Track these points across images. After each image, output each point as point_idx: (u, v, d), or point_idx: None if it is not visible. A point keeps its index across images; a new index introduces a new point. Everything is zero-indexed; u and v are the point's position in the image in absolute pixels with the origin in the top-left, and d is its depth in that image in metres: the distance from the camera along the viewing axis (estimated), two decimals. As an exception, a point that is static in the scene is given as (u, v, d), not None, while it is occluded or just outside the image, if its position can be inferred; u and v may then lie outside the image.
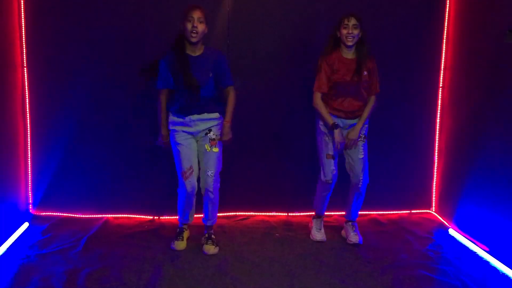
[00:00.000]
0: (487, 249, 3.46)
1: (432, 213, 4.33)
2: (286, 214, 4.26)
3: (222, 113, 3.41)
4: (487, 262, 3.37)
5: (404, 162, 4.26)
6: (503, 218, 3.31)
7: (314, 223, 3.82)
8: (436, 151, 4.25)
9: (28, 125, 3.97)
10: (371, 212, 4.28)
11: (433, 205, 4.36)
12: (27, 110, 3.95)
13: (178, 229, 3.62)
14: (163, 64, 3.29)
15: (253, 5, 3.97)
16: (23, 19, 3.83)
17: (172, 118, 3.37)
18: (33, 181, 4.06)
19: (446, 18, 4.07)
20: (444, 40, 4.10)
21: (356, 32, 3.37)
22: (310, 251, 3.51)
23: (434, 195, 4.34)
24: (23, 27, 3.84)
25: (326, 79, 3.45)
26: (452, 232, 3.89)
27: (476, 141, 3.65)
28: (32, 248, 3.47)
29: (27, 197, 4.05)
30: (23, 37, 3.85)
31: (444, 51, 4.11)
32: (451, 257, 3.44)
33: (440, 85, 4.17)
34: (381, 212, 4.30)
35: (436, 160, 4.27)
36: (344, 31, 3.38)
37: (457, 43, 3.98)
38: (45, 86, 3.94)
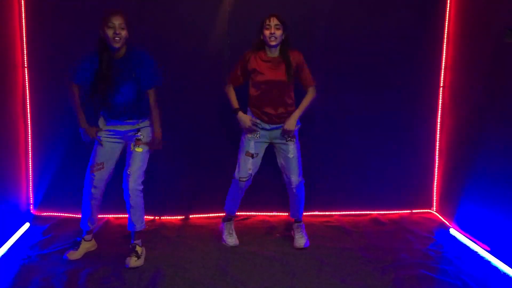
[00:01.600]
0: (488, 249, 3.46)
1: (433, 213, 4.32)
2: (287, 214, 4.26)
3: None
4: (488, 262, 3.37)
5: (405, 161, 4.26)
6: (504, 217, 3.30)
7: (225, 227, 3.68)
8: (437, 151, 4.25)
9: (29, 126, 3.98)
10: (371, 212, 4.28)
11: (434, 204, 4.35)
12: (28, 111, 3.96)
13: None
14: (88, 57, 3.16)
15: (253, 5, 3.97)
16: (23, 20, 3.84)
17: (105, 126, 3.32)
18: (34, 182, 4.06)
19: (447, 17, 4.06)
20: (445, 40, 4.09)
21: (278, 32, 3.34)
22: (311, 251, 3.51)
23: (435, 195, 4.34)
24: (23, 28, 3.84)
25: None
26: (453, 231, 3.89)
27: (477, 141, 3.65)
28: (33, 248, 3.47)
29: (28, 198, 4.06)
30: (24, 38, 3.86)
31: (444, 50, 4.11)
32: (452, 256, 3.43)
33: (441, 85, 4.17)
34: (381, 212, 4.30)
35: (436, 159, 4.26)
36: (267, 32, 3.35)
37: (458, 42, 3.98)
38: (46, 86, 3.94)
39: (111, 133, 3.32)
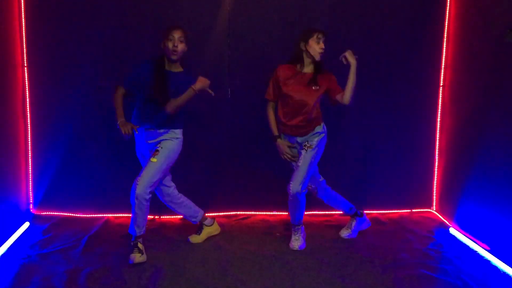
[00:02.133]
0: (488, 248, 3.46)
1: (432, 212, 4.33)
2: (287, 213, 4.26)
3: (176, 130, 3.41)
4: (488, 261, 3.37)
5: (405, 161, 4.26)
6: (504, 217, 3.30)
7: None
8: (437, 150, 4.25)
9: (29, 125, 3.97)
10: (371, 211, 4.27)
11: (434, 204, 4.35)
12: (28, 110, 3.95)
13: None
14: (142, 66, 3.29)
15: (254, 4, 3.97)
16: (23, 19, 3.83)
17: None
18: (33, 181, 4.06)
19: (447, 17, 4.06)
20: (445, 39, 4.09)
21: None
22: (311, 250, 3.51)
23: (434, 194, 4.34)
24: (23, 27, 3.84)
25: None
26: (453, 231, 3.89)
27: (477, 140, 3.65)
28: (33, 247, 3.47)
29: (27, 197, 4.06)
30: (24, 37, 3.86)
31: (444, 50, 4.11)
32: (452, 256, 3.44)
33: (441, 84, 4.17)
34: (381, 211, 4.30)
35: (436, 159, 4.26)
36: (317, 46, 3.36)
37: (458, 42, 3.98)
38: (46, 85, 3.94)
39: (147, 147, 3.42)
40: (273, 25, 3.99)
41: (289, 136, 3.53)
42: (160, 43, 3.26)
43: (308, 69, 3.44)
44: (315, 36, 3.34)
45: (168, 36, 3.21)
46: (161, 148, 3.32)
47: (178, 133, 3.40)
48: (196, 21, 3.94)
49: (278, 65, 3.48)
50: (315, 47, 3.35)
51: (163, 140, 3.36)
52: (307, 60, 3.42)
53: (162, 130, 3.35)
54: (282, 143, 3.52)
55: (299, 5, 3.98)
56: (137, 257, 3.23)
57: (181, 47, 3.23)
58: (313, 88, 3.39)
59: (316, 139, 3.47)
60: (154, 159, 3.28)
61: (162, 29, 3.29)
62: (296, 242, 3.54)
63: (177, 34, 3.21)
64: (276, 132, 3.53)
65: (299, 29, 3.96)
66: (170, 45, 3.20)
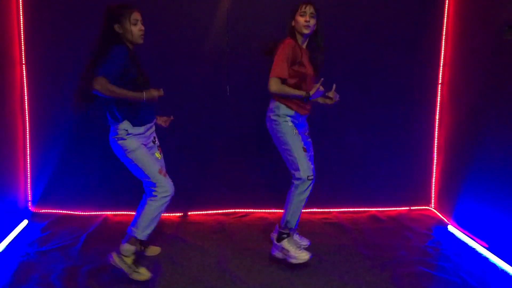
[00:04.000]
0: (486, 246, 3.47)
1: (431, 210, 4.33)
2: (286, 211, 4.27)
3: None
4: (486, 259, 3.38)
5: (403, 158, 4.26)
6: (502, 214, 3.31)
7: (290, 243, 3.21)
8: (435, 148, 4.26)
9: (27, 123, 3.97)
10: (370, 209, 4.28)
11: (432, 201, 4.36)
12: (26, 108, 3.95)
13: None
14: (124, 50, 2.85)
15: (253, 3, 3.96)
16: (21, 17, 3.83)
17: (131, 130, 2.97)
18: (32, 179, 4.06)
19: (445, 14, 4.06)
20: (443, 37, 4.09)
21: (313, 21, 3.13)
22: (310, 248, 3.50)
23: (433, 192, 4.34)
24: (21, 25, 3.84)
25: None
26: (451, 228, 3.90)
27: (475, 138, 3.65)
28: (32, 245, 3.47)
29: (26, 195, 4.05)
30: (22, 35, 3.85)
31: (443, 47, 4.11)
32: (450, 253, 3.44)
33: (439, 82, 4.17)
34: (380, 209, 4.30)
35: (435, 156, 4.27)
36: (302, 19, 3.12)
37: (456, 39, 3.98)
38: (44, 83, 3.94)
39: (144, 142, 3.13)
40: (274, 24, 3.98)
41: (304, 116, 3.31)
42: (115, 25, 2.88)
43: (304, 45, 3.27)
44: (299, 10, 3.15)
45: (130, 19, 2.86)
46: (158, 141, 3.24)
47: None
48: (196, 19, 3.93)
49: (290, 40, 3.15)
50: (300, 20, 3.14)
51: (154, 134, 3.22)
52: (298, 37, 3.19)
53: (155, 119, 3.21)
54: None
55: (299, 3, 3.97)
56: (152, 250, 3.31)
57: (143, 28, 2.95)
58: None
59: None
60: (160, 155, 3.26)
61: (110, 10, 2.90)
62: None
63: (140, 17, 2.92)
64: (304, 92, 3.12)
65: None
66: (135, 29, 2.88)
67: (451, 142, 4.07)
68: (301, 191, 3.12)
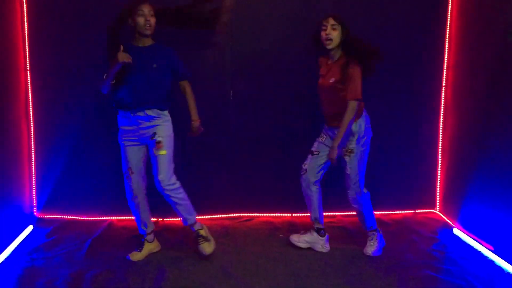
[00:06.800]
0: (492, 249, 3.45)
1: (436, 213, 4.31)
2: (290, 215, 4.26)
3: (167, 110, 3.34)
4: (492, 262, 3.36)
5: (408, 161, 4.25)
6: (508, 217, 3.29)
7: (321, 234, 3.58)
8: (440, 151, 4.24)
9: (32, 128, 3.98)
10: (375, 212, 4.25)
11: (438, 204, 4.34)
12: (31, 113, 3.96)
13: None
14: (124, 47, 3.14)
15: (256, 3, 3.97)
16: (25, 23, 3.84)
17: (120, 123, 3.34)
18: (37, 184, 4.06)
19: (449, 16, 4.06)
20: (447, 39, 4.09)
21: (336, 33, 3.23)
22: (314, 252, 3.50)
23: (438, 195, 4.32)
24: (26, 30, 3.85)
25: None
26: (456, 231, 3.88)
27: (480, 140, 3.64)
28: (37, 251, 3.48)
29: (31, 200, 4.06)
30: (26, 41, 3.87)
31: (447, 49, 4.10)
32: (456, 256, 3.43)
33: (443, 84, 4.16)
34: (385, 212, 4.29)
35: (440, 159, 4.25)
36: (323, 34, 3.25)
37: (460, 41, 3.97)
38: (49, 89, 3.95)
39: (131, 137, 3.31)
40: (276, 24, 3.99)
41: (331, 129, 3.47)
42: (128, 19, 3.18)
43: (337, 56, 3.33)
44: (322, 25, 3.26)
45: (138, 11, 3.13)
46: (161, 137, 3.24)
47: (166, 113, 3.33)
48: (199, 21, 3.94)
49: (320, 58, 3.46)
50: (322, 35, 3.26)
51: (156, 126, 3.26)
52: (327, 51, 3.32)
53: (150, 112, 3.23)
54: None
55: (302, 6, 3.98)
56: (206, 247, 3.34)
57: (153, 20, 3.18)
58: (330, 80, 3.31)
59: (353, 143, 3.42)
60: (163, 152, 3.24)
61: (124, 7, 3.21)
62: (369, 248, 3.48)
63: (146, 9, 3.14)
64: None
65: (302, 29, 3.96)
66: (141, 20, 3.13)
67: (456, 144, 4.06)
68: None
